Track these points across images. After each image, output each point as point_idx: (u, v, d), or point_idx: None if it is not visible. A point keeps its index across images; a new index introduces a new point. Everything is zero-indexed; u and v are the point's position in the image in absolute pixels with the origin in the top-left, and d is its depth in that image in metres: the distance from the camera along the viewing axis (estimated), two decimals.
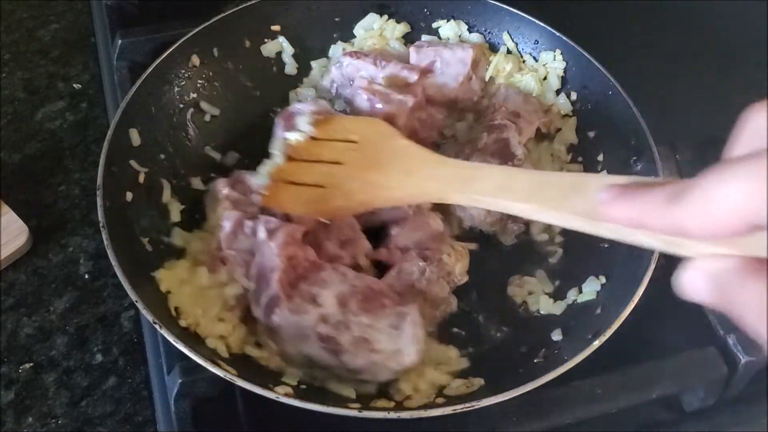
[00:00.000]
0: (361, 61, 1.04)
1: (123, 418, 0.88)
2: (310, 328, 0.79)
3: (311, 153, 0.90)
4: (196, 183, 0.98)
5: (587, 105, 1.05)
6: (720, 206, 0.42)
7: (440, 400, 0.79)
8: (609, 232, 0.56)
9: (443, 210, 0.97)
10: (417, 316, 0.82)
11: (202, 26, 1.04)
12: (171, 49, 1.01)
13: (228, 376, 0.73)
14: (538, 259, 0.97)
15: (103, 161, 0.88)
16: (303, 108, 0.94)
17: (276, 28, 1.11)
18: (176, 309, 0.81)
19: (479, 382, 0.82)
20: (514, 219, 0.97)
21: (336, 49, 1.13)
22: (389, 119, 0.95)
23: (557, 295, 0.92)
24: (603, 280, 0.89)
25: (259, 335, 0.83)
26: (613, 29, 1.31)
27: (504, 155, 0.97)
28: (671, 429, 0.89)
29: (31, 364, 0.91)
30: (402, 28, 1.13)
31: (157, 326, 0.75)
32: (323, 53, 1.13)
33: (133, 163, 0.92)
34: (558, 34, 1.07)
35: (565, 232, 0.97)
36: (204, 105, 1.04)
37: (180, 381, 0.79)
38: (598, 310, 0.86)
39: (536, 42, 1.10)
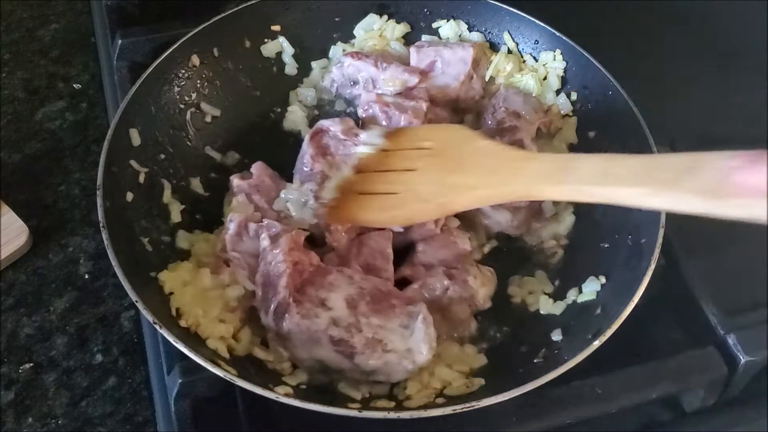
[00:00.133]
0: (362, 62, 1.05)
1: (123, 418, 0.88)
2: (321, 332, 0.79)
3: (381, 163, 0.89)
4: (196, 183, 0.98)
5: (587, 105, 1.05)
6: None
7: (440, 400, 0.79)
8: (735, 208, 0.53)
9: (468, 219, 0.96)
10: (427, 314, 0.82)
11: (202, 26, 1.04)
12: (171, 49, 1.01)
13: (228, 377, 0.73)
14: (538, 259, 0.97)
15: (103, 161, 0.88)
16: (330, 124, 0.95)
17: (276, 28, 1.11)
18: (177, 310, 0.81)
19: (479, 382, 0.82)
20: (538, 218, 0.97)
21: (336, 51, 1.13)
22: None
23: (557, 295, 0.92)
24: (603, 280, 0.89)
25: (268, 341, 0.83)
26: (613, 29, 1.31)
27: None
28: (671, 429, 0.89)
29: (31, 364, 0.91)
30: (402, 28, 1.14)
31: (157, 326, 0.75)
32: (323, 54, 1.13)
33: (133, 163, 0.92)
34: (558, 34, 1.07)
35: (569, 235, 0.97)
36: (204, 105, 1.04)
37: (180, 381, 0.79)
38: (598, 310, 0.86)
39: (536, 42, 1.10)
